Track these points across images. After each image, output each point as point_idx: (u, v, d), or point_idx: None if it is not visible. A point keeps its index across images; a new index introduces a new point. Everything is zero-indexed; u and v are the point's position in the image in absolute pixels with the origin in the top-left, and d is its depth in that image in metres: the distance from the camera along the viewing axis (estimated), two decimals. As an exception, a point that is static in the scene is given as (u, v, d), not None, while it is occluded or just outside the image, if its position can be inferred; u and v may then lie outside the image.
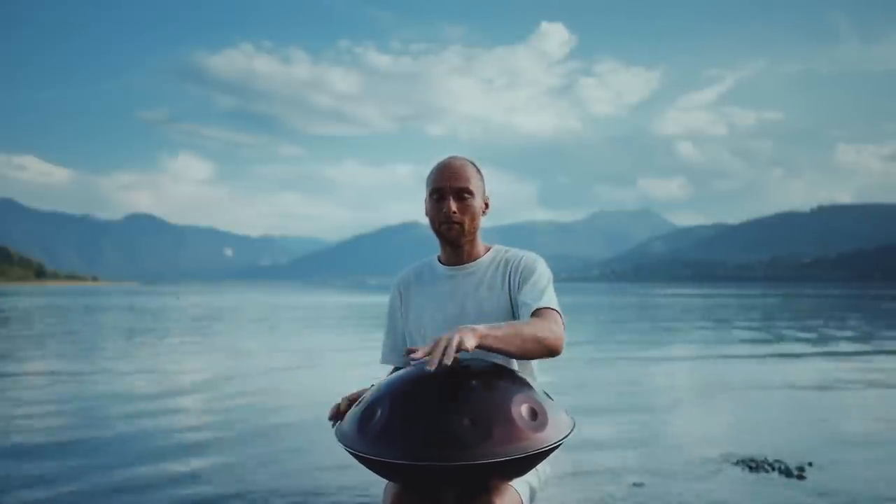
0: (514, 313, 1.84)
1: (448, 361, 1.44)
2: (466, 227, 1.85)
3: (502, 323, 1.64)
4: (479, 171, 1.90)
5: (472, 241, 1.90)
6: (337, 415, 1.63)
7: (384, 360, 2.01)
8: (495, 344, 1.56)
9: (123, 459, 4.43)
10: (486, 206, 1.91)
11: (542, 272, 1.86)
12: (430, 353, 1.45)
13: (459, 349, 1.47)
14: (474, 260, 1.91)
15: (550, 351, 1.65)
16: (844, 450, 4.69)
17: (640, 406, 6.49)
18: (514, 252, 1.93)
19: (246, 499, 3.63)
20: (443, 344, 1.46)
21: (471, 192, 1.83)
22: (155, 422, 5.74)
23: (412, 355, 1.48)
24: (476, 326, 1.55)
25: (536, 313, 1.74)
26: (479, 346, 1.53)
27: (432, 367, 1.41)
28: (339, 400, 1.65)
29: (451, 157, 1.89)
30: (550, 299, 1.79)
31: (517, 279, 1.85)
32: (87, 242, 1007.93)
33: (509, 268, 1.87)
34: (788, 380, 8.38)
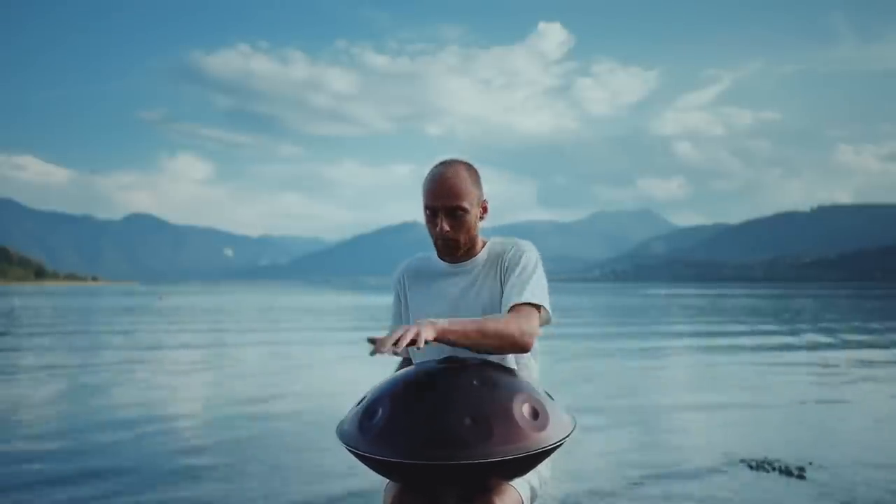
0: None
1: (398, 350, 1.44)
2: (461, 241, 1.82)
3: (467, 318, 1.63)
4: (474, 176, 1.83)
5: (470, 246, 1.87)
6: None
7: None
8: (455, 338, 1.55)
9: (119, 463, 4.36)
10: (485, 210, 1.86)
11: (527, 264, 1.81)
12: (383, 342, 1.45)
13: (415, 341, 1.47)
14: (471, 258, 1.88)
15: (515, 347, 1.63)
16: (844, 450, 4.66)
17: (639, 405, 6.47)
18: (506, 243, 1.89)
19: (245, 501, 3.62)
20: (398, 333, 1.46)
21: (464, 209, 1.78)
22: (152, 425, 5.58)
23: (375, 345, 1.47)
24: (437, 320, 1.55)
25: (513, 309, 1.71)
26: (438, 340, 1.53)
27: (381, 352, 1.43)
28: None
29: (443, 167, 1.81)
30: (532, 293, 1.74)
31: (505, 272, 1.82)
32: (86, 242, 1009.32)
33: (500, 261, 1.84)
34: (788, 379, 8.23)
